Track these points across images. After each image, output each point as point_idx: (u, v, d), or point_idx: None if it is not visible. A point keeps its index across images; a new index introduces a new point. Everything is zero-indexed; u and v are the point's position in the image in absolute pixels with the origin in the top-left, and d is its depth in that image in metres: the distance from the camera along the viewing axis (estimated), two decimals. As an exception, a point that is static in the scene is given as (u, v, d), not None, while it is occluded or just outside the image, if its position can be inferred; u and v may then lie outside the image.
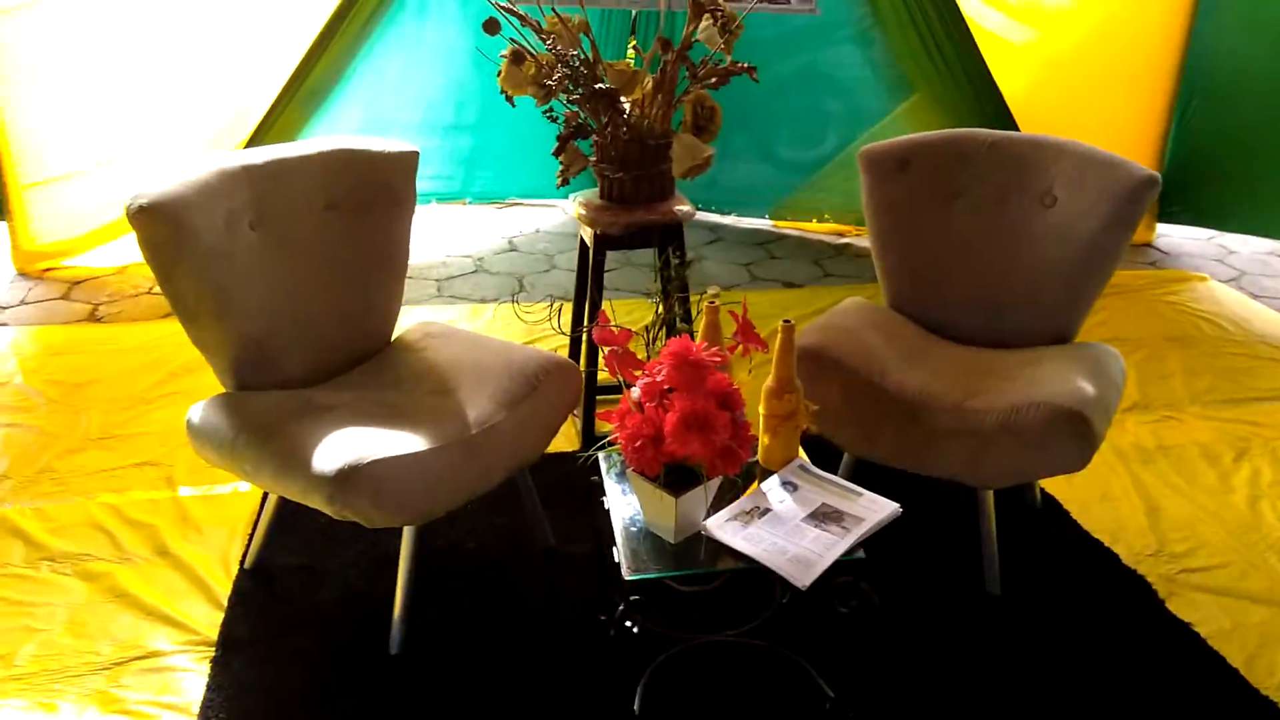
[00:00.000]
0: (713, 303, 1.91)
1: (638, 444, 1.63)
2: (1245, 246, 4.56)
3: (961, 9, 4.05)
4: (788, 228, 4.74)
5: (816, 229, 4.70)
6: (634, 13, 4.35)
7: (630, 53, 4.55)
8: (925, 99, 4.31)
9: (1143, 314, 3.77)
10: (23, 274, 3.92)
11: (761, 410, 1.91)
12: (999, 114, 4.13)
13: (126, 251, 3.99)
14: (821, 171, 4.63)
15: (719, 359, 1.66)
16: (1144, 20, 4.15)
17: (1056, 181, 2.40)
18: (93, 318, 3.58)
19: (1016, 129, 4.11)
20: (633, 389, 1.69)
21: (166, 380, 3.10)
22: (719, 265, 4.26)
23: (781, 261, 4.33)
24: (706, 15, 2.45)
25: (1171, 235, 4.64)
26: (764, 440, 1.93)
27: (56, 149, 3.77)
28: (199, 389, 2.96)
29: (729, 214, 4.85)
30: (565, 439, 2.69)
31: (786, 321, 1.87)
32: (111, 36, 3.70)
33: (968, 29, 4.07)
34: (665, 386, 1.64)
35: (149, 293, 3.78)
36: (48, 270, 3.94)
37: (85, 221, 3.92)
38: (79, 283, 3.86)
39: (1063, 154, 2.41)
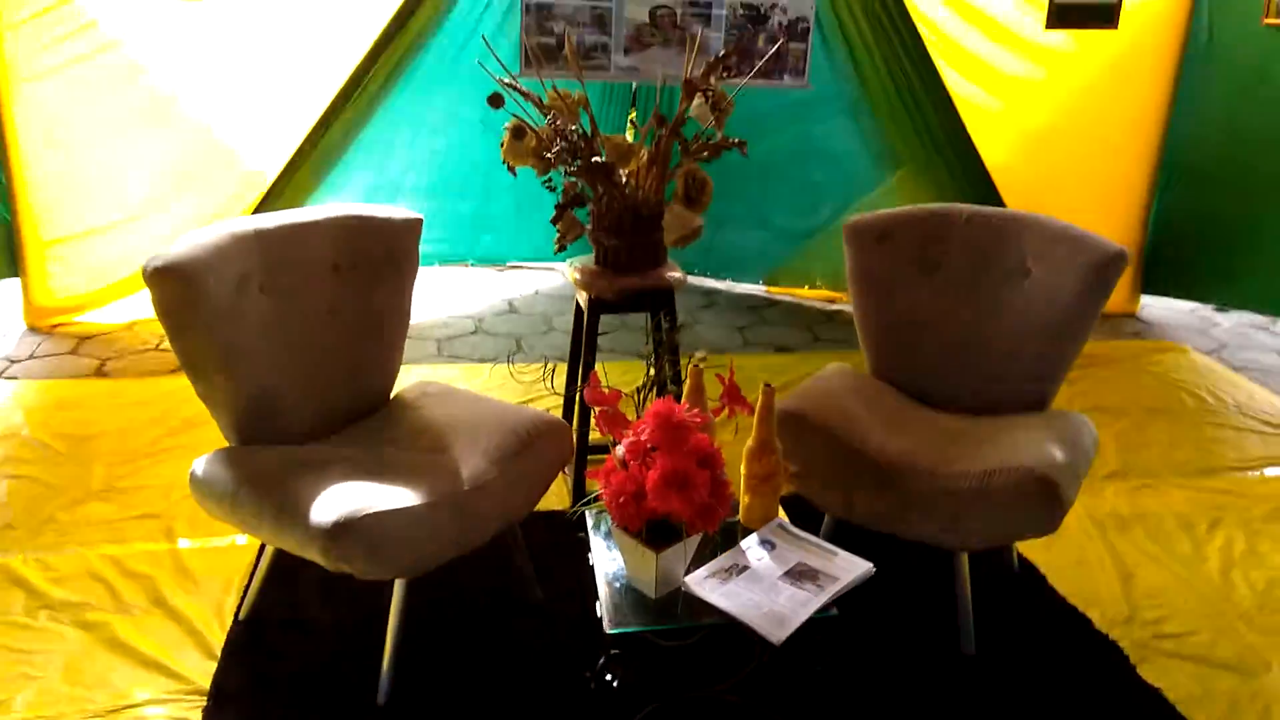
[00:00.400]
0: (697, 366, 2.00)
1: (621, 500, 1.70)
2: (1227, 319, 4.67)
3: (948, 87, 4.22)
4: (780, 294, 4.86)
5: (808, 295, 4.82)
6: (634, 87, 4.52)
7: (629, 125, 4.73)
8: (912, 172, 4.46)
9: (1125, 384, 3.86)
10: (33, 329, 4.03)
11: (743, 470, 1.99)
12: (983, 187, 4.28)
13: (136, 308, 4.10)
14: (814, 240, 4.76)
15: (700, 420, 1.75)
16: (1125, 101, 4.33)
17: (1031, 255, 2.51)
18: (100, 373, 3.68)
19: (1001, 202, 4.26)
20: (618, 447, 1.77)
21: (169, 435, 3.18)
22: (712, 329, 4.37)
23: (773, 326, 4.45)
24: (699, 94, 2.59)
25: (1155, 307, 4.76)
26: (744, 500, 2.01)
27: (73, 208, 3.91)
28: (201, 444, 3.02)
29: (724, 279, 4.98)
30: (556, 497, 2.76)
31: (767, 385, 1.96)
32: (130, 101, 3.86)
33: (953, 105, 4.24)
34: (649, 445, 1.72)
35: (156, 349, 3.88)
36: (57, 326, 4.05)
37: (97, 279, 4.04)
38: (87, 338, 3.97)
39: (1036, 229, 2.52)
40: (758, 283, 4.94)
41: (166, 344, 3.89)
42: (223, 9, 3.76)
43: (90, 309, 4.08)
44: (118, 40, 3.76)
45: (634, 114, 4.66)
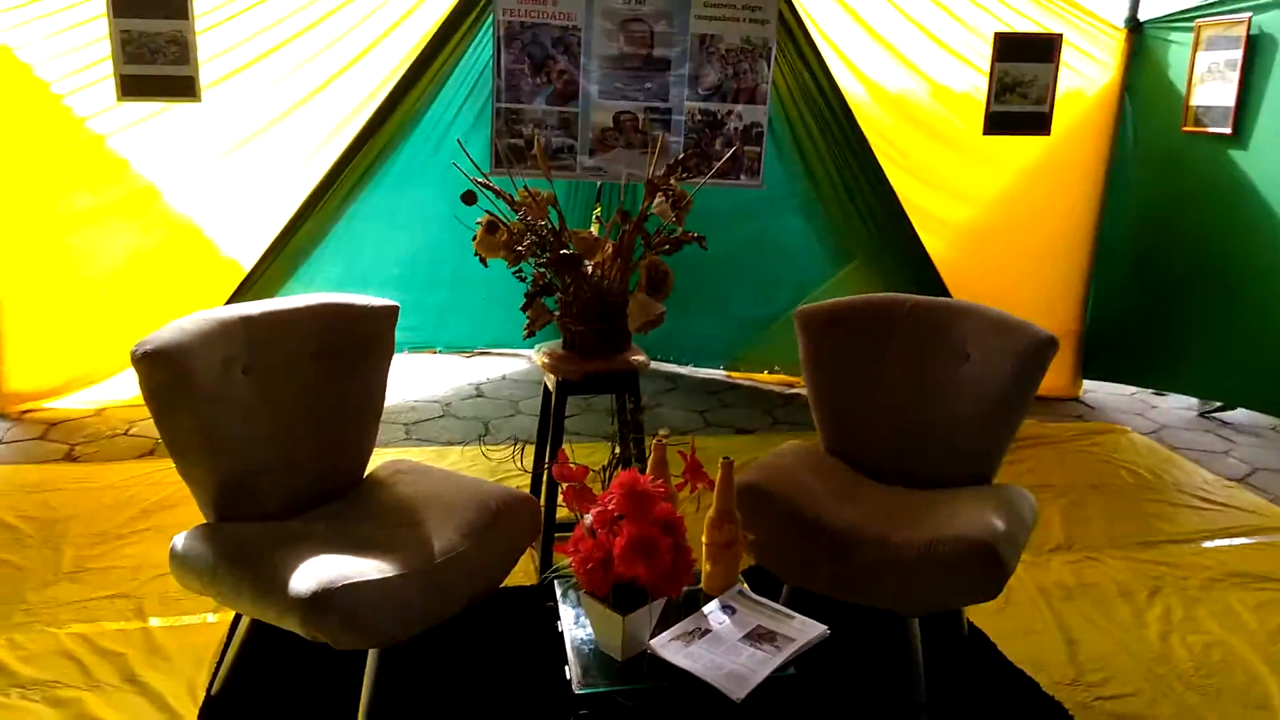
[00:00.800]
0: (661, 440, 2.13)
1: (590, 566, 1.81)
2: (1165, 402, 4.91)
3: (892, 185, 4.48)
4: (740, 378, 5.04)
5: (767, 380, 5.00)
6: (598, 185, 4.75)
7: (595, 218, 4.94)
8: (862, 264, 4.70)
9: (1069, 463, 4.04)
10: (2, 415, 4.07)
11: (704, 539, 2.10)
12: (929, 278, 4.51)
13: (105, 394, 4.16)
14: (772, 327, 4.96)
15: (664, 490, 1.87)
16: (1060, 198, 4.64)
17: (969, 341, 2.69)
18: (69, 457, 3.72)
19: (946, 291, 4.49)
20: (586, 517, 1.89)
21: (140, 517, 3.22)
22: (675, 411, 4.52)
23: (734, 409, 4.60)
24: (660, 194, 2.78)
25: (1097, 391, 4.99)
26: (706, 567, 2.12)
27: (47, 296, 4.01)
28: (171, 526, 3.09)
29: (686, 365, 5.16)
30: (525, 574, 2.84)
31: (726, 458, 2.09)
32: (110, 194, 4.00)
33: (898, 203, 4.50)
34: (615, 514, 1.84)
35: (125, 434, 3.94)
36: (27, 412, 4.09)
37: (68, 366, 4.11)
38: (56, 424, 4.02)
39: (974, 317, 2.72)
40: (718, 368, 5.12)
41: (136, 429, 3.97)
42: (208, 106, 3.94)
43: (60, 395, 4.14)
44: (102, 134, 3.92)
45: (599, 210, 4.88)
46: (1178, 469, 4.03)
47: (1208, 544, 3.34)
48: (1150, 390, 4.99)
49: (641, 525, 1.79)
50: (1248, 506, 3.65)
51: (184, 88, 3.84)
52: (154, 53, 3.79)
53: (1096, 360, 4.85)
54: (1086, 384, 4.98)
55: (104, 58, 3.79)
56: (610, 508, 1.84)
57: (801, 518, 2.36)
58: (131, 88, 3.81)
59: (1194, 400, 4.81)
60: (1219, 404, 4.64)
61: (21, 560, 2.93)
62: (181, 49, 3.80)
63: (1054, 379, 4.76)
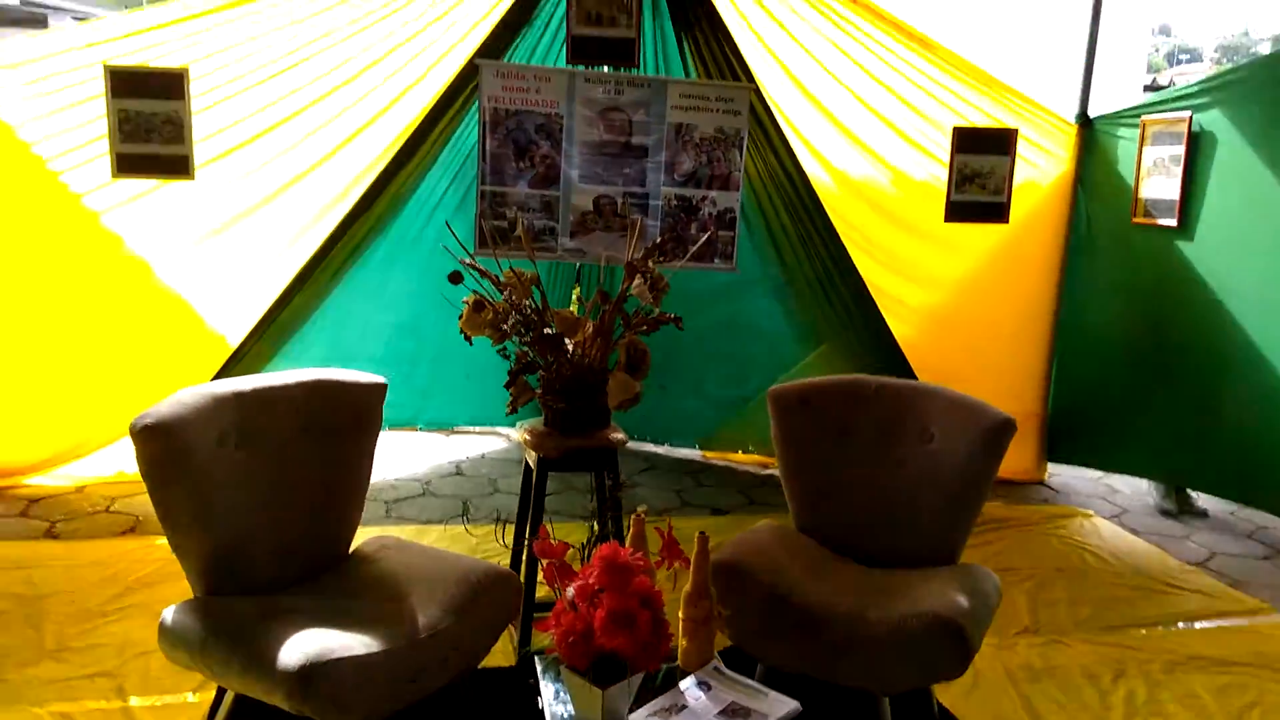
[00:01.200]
0: (639, 516, 2.21)
1: (571, 639, 1.87)
2: (1128, 486, 5.03)
3: (859, 270, 4.64)
4: (716, 458, 5.12)
5: (742, 460, 5.08)
6: (578, 266, 4.89)
7: (575, 298, 5.07)
8: (832, 346, 4.84)
9: (1034, 546, 4.14)
10: (-19, 490, 4.07)
11: (680, 615, 2.16)
12: (895, 360, 4.64)
13: (87, 470, 4.17)
14: (746, 408, 5.07)
15: (643, 564, 1.95)
16: (1018, 283, 4.82)
17: (932, 422, 2.81)
18: (50, 534, 3.72)
19: (912, 373, 4.62)
20: (568, 590, 1.95)
21: (122, 595, 3.22)
22: (652, 491, 4.59)
23: (710, 489, 4.68)
24: (638, 275, 2.91)
25: (1062, 475, 5.11)
26: (683, 644, 2.17)
27: (25, 373, 4.04)
28: (154, 603, 3.09)
29: (662, 444, 5.24)
30: (504, 655, 2.87)
31: (701, 534, 2.17)
32: (90, 272, 4.07)
33: (865, 287, 4.64)
34: (596, 587, 1.90)
35: (106, 511, 3.94)
36: (7, 489, 4.09)
37: (50, 443, 4.12)
38: (37, 500, 4.01)
39: (936, 398, 2.84)
40: (694, 447, 5.20)
41: (117, 506, 3.98)
42: (201, 184, 4.06)
43: (42, 471, 4.14)
44: (96, 211, 4.01)
45: (579, 290, 5.01)
46: (1141, 553, 4.13)
47: (1170, 628, 3.42)
48: (1113, 474, 5.10)
49: (622, 597, 1.86)
50: (1208, 590, 3.75)
51: (178, 166, 3.95)
52: (149, 132, 3.90)
53: (1060, 444, 4.98)
54: (1051, 467, 5.11)
55: (100, 136, 3.89)
56: (591, 581, 1.91)
57: (775, 594, 2.43)
58: (126, 165, 3.91)
59: (1150, 484, 4.91)
60: (1184, 504, 4.74)
61: (3, 638, 2.91)
62: (176, 128, 3.92)
63: (1019, 462, 4.90)
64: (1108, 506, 4.73)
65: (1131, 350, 4.58)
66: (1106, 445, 4.78)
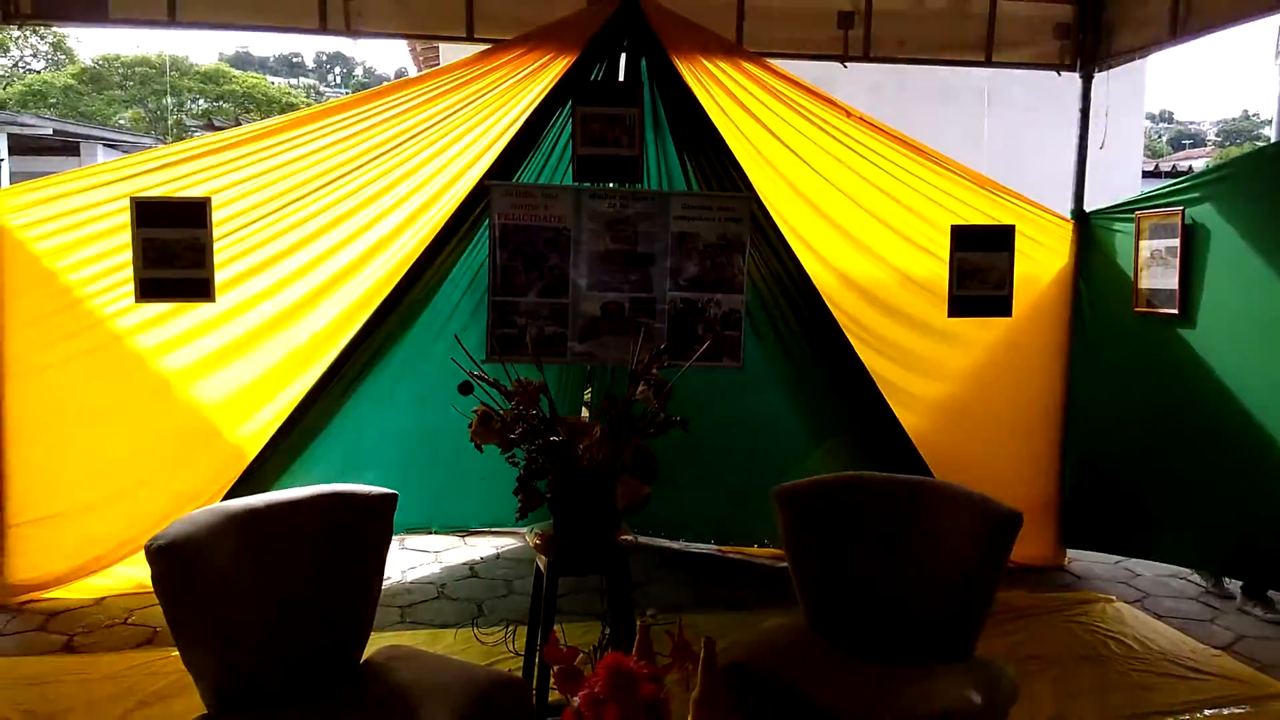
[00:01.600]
0: (645, 622, 2.23)
1: (577, 749, 1.88)
2: (1149, 570, 4.97)
3: (865, 364, 4.70)
4: (732, 552, 5.11)
5: (758, 554, 5.06)
6: (589, 368, 4.99)
7: (586, 398, 5.16)
8: (843, 440, 4.85)
9: (1056, 634, 4.08)
10: (2, 605, 4.11)
11: (689, 718, 2.16)
12: (906, 453, 4.66)
13: (107, 582, 4.22)
14: (759, 502, 5.04)
15: (648, 671, 1.96)
16: (1026, 372, 4.87)
17: (939, 517, 2.83)
18: (68, 648, 3.75)
19: (924, 464, 4.64)
20: (573, 700, 1.97)
21: (136, 709, 3.23)
22: (667, 588, 4.57)
23: (725, 585, 4.66)
24: (642, 383, 2.98)
25: (1083, 560, 5.06)
26: (692, 748, 2.16)
27: (53, 489, 4.12)
28: (168, 717, 3.10)
29: (677, 540, 5.23)
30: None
31: (707, 640, 2.18)
32: (124, 388, 4.19)
33: (870, 381, 4.69)
34: (601, 697, 1.92)
35: (124, 623, 3.97)
36: (27, 602, 4.13)
37: (71, 556, 4.18)
38: (56, 614, 4.05)
39: (941, 493, 2.87)
40: (710, 542, 5.19)
41: (135, 618, 4.01)
42: (222, 305, 4.20)
43: (62, 585, 4.19)
44: (119, 334, 4.15)
45: (589, 391, 5.10)
46: (1164, 638, 4.06)
47: (1197, 714, 3.35)
48: (1134, 558, 5.06)
49: (626, 708, 1.88)
50: (1235, 675, 3.68)
51: (200, 289, 4.10)
52: (173, 257, 4.06)
53: (1079, 529, 4.94)
54: (1071, 553, 5.06)
55: (126, 262, 4.06)
56: (596, 690, 1.92)
57: (786, 696, 2.43)
58: (150, 290, 4.06)
59: (1173, 567, 4.85)
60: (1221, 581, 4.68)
61: (15, 756, 2.93)
62: (198, 253, 4.08)
63: (1036, 548, 4.86)
64: (1130, 591, 4.67)
65: (1142, 435, 4.58)
66: (1125, 530, 4.74)
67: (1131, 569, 5.00)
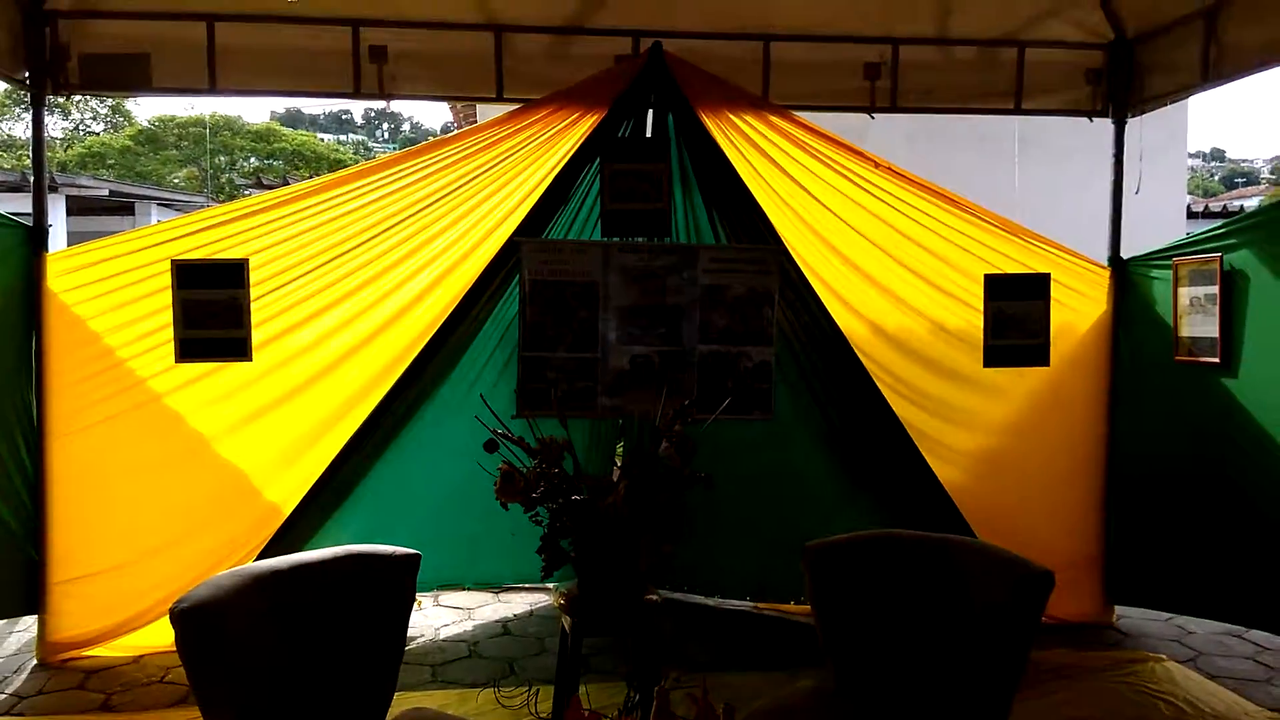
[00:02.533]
0: (663, 688, 2.20)
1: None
2: (1202, 627, 4.80)
3: (899, 416, 4.63)
4: (768, 609, 5.03)
5: (795, 611, 4.97)
6: (620, 422, 4.98)
7: (618, 453, 5.15)
8: (877, 493, 4.78)
9: (1101, 695, 3.94)
10: (43, 663, 4.18)
11: (708, 791, 2.12)
12: (941, 507, 4.58)
13: (145, 640, 4.27)
14: (795, 556, 4.98)
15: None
16: (1066, 423, 4.76)
17: (969, 576, 2.77)
18: (105, 707, 3.80)
19: (961, 519, 4.54)
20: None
21: (167, 768, 3.26)
22: (698, 647, 4.49)
23: (760, 644, 4.58)
24: (665, 440, 2.98)
25: (1131, 617, 4.90)
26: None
27: (94, 547, 4.21)
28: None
29: (711, 597, 5.17)
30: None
31: (727, 706, 2.14)
32: (163, 447, 4.28)
33: (904, 433, 4.63)
34: (615, 766, 1.90)
35: (161, 681, 4.02)
36: (67, 660, 4.20)
37: (111, 614, 4.25)
38: (95, 672, 4.11)
39: (972, 552, 2.82)
40: (744, 599, 5.13)
41: (172, 677, 4.05)
42: (260, 364, 4.29)
43: (101, 644, 4.25)
44: (159, 393, 4.25)
45: (621, 446, 5.10)
46: (1218, 699, 3.91)
47: (1253, 781, 3.22)
48: (1185, 615, 4.88)
49: (640, 778, 1.85)
50: (1292, 737, 3.54)
51: (237, 349, 4.19)
52: (211, 317, 4.17)
53: (1125, 584, 4.79)
54: (1119, 609, 4.91)
55: (166, 324, 4.17)
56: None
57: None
58: (189, 350, 4.16)
59: (1227, 625, 4.68)
60: None
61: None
62: (235, 314, 4.18)
63: (1079, 605, 4.73)
64: (1181, 649, 4.51)
65: (1187, 486, 4.45)
66: (1173, 585, 4.59)
67: (1183, 626, 4.83)
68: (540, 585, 5.24)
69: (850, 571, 2.92)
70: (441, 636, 4.61)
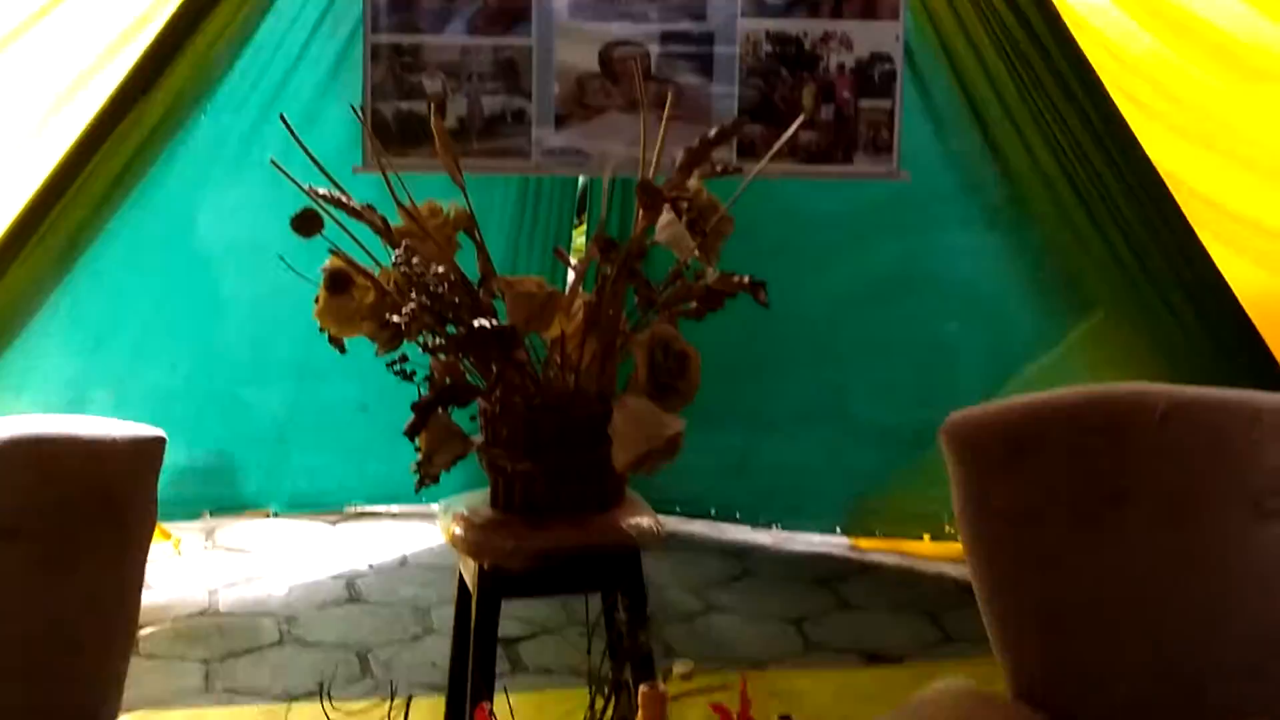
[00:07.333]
0: (658, 690, 2.21)
1: None
2: None
3: (1161, 170, 4.58)
4: (875, 549, 5.19)
5: (929, 552, 5.11)
6: (580, 184, 4.93)
7: (576, 243, 5.11)
8: (1110, 323, 4.81)
9: None
10: None
11: None
12: (1238, 340, 4.64)
13: None
14: (932, 450, 5.03)
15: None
16: None
17: (1283, 473, 2.77)
18: None
19: (1274, 364, 4.55)
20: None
21: None
22: (744, 623, 4.65)
23: (862, 614, 4.75)
24: (668, 207, 2.91)
25: None
26: None
27: None
28: None
29: (769, 525, 5.33)
30: None
31: (784, 718, 2.16)
32: None
33: (1172, 200, 4.59)
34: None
35: None
36: None
37: None
38: None
39: (1286, 425, 2.80)
40: (832, 531, 5.27)
41: None
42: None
43: None
44: None
45: (581, 229, 5.05)
46: None
47: None
48: None
49: None
50: None
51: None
52: None
53: None
54: None
55: None
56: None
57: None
58: None
59: None
60: None
61: None
62: None
63: None
64: None
65: None
66: None
67: None
68: (417, 509, 5.28)
69: (1037, 470, 2.91)
70: (223, 601, 4.71)
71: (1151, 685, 2.80)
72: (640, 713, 2.22)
